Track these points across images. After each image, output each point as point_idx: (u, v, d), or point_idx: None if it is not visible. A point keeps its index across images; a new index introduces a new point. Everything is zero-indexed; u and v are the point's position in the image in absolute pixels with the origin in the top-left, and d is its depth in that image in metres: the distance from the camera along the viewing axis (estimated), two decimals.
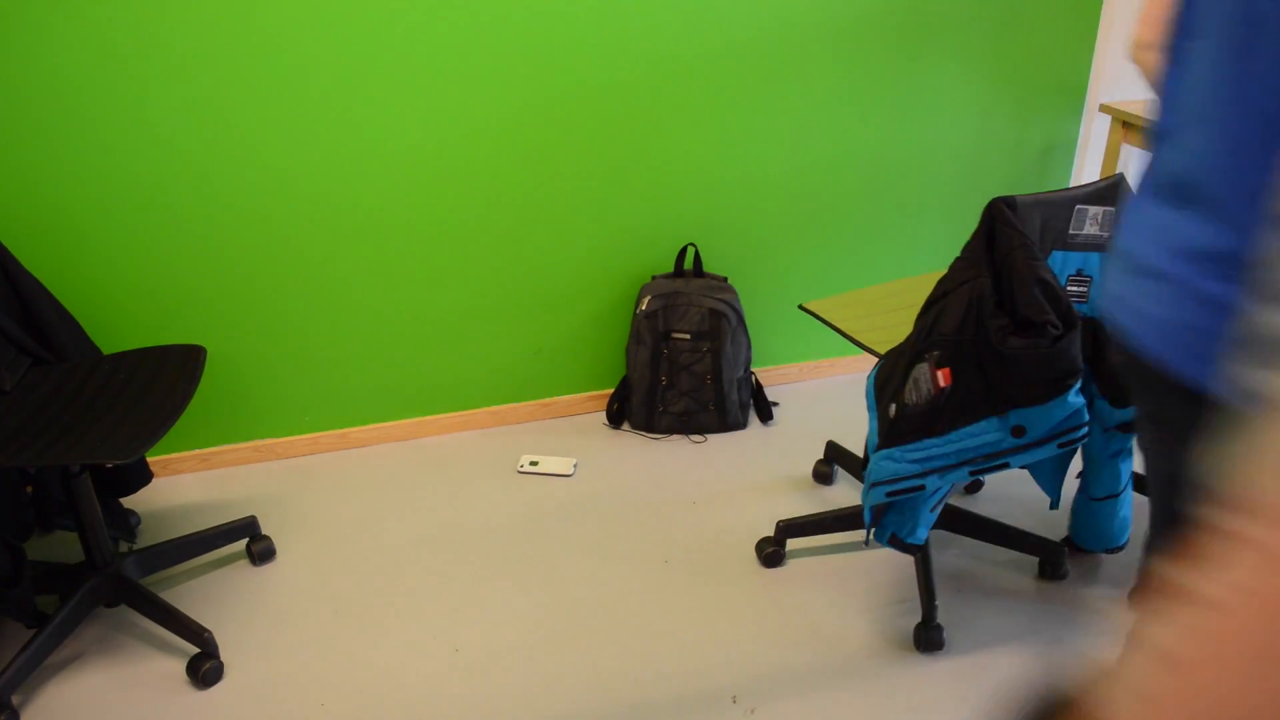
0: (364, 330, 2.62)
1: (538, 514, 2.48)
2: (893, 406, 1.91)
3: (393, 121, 2.42)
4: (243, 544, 2.37)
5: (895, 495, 1.94)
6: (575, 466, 2.65)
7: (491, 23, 2.38)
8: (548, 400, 2.88)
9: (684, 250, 2.75)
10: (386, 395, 2.73)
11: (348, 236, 2.51)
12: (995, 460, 1.86)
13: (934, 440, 1.86)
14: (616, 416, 2.84)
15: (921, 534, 2.01)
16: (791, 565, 2.32)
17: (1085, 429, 1.84)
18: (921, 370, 1.86)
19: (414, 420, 2.78)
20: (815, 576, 2.29)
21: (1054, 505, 2.11)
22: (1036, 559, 2.34)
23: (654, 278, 2.73)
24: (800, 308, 2.24)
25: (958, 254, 3.11)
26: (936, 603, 2.12)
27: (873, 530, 2.05)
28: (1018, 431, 1.83)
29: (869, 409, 2.01)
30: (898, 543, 2.03)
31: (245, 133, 2.33)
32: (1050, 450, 1.86)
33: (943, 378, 1.83)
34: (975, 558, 2.36)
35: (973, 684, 2.00)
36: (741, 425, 2.82)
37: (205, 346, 2.46)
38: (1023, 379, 1.77)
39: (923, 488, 1.91)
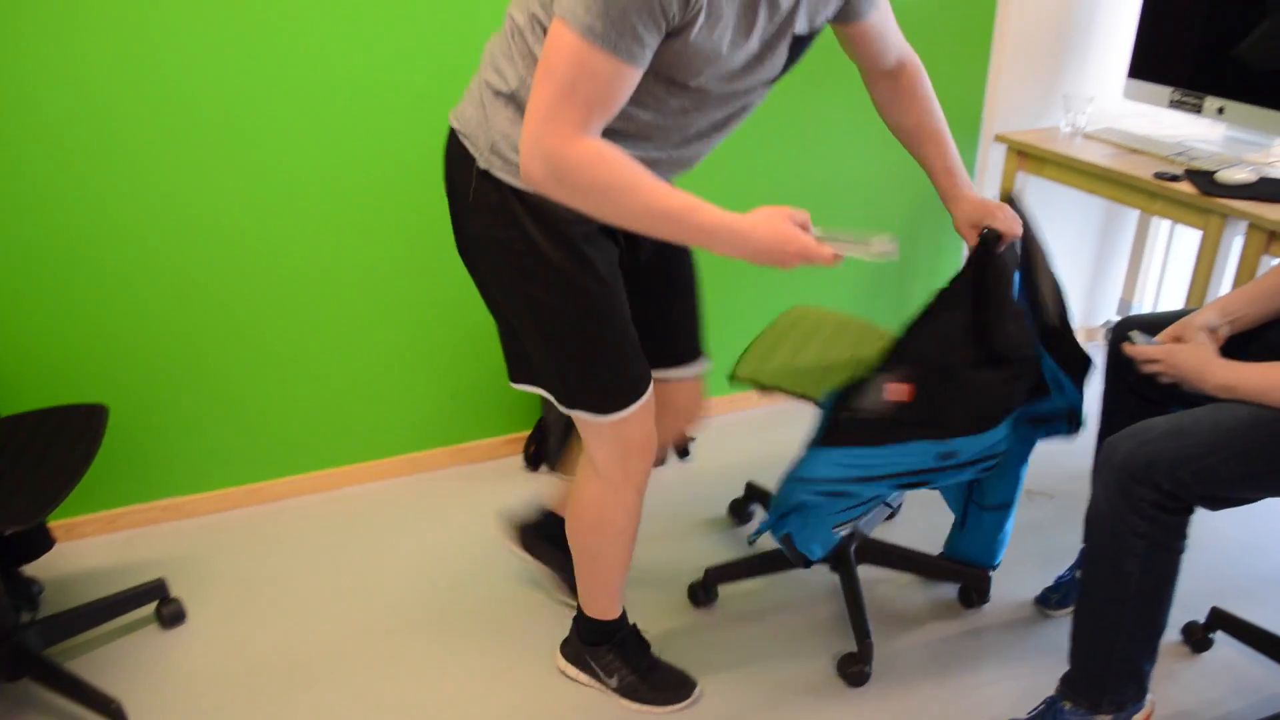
0: (274, 381, 2.58)
1: (459, 563, 2.46)
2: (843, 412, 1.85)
3: (302, 167, 2.39)
4: (151, 608, 2.30)
5: (820, 495, 1.91)
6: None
7: (405, 70, 2.38)
8: (464, 445, 2.85)
9: None
10: (299, 447, 2.68)
11: (255, 285, 2.47)
12: (918, 479, 1.87)
13: (870, 450, 1.84)
14: (534, 459, 2.82)
15: (816, 550, 1.99)
16: (721, 606, 2.33)
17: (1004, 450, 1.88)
18: (880, 381, 1.82)
19: (328, 471, 2.73)
20: (743, 616, 2.30)
21: (960, 524, 2.15)
22: (958, 586, 2.38)
23: None
24: (733, 379, 2.12)
25: (860, 284, 3.17)
26: (870, 640, 2.14)
27: (767, 526, 1.99)
28: (948, 455, 1.85)
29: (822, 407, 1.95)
30: (789, 544, 1.98)
31: (151, 182, 2.29)
32: (971, 473, 1.89)
33: (905, 393, 1.81)
34: (898, 588, 2.39)
35: (901, 716, 2.02)
36: (660, 462, 2.82)
37: (108, 404, 2.40)
38: (979, 410, 1.79)
39: (845, 494, 1.90)
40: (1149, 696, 1.81)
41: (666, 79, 1.49)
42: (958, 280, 1.78)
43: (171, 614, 2.26)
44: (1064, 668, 1.85)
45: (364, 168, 2.45)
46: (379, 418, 2.72)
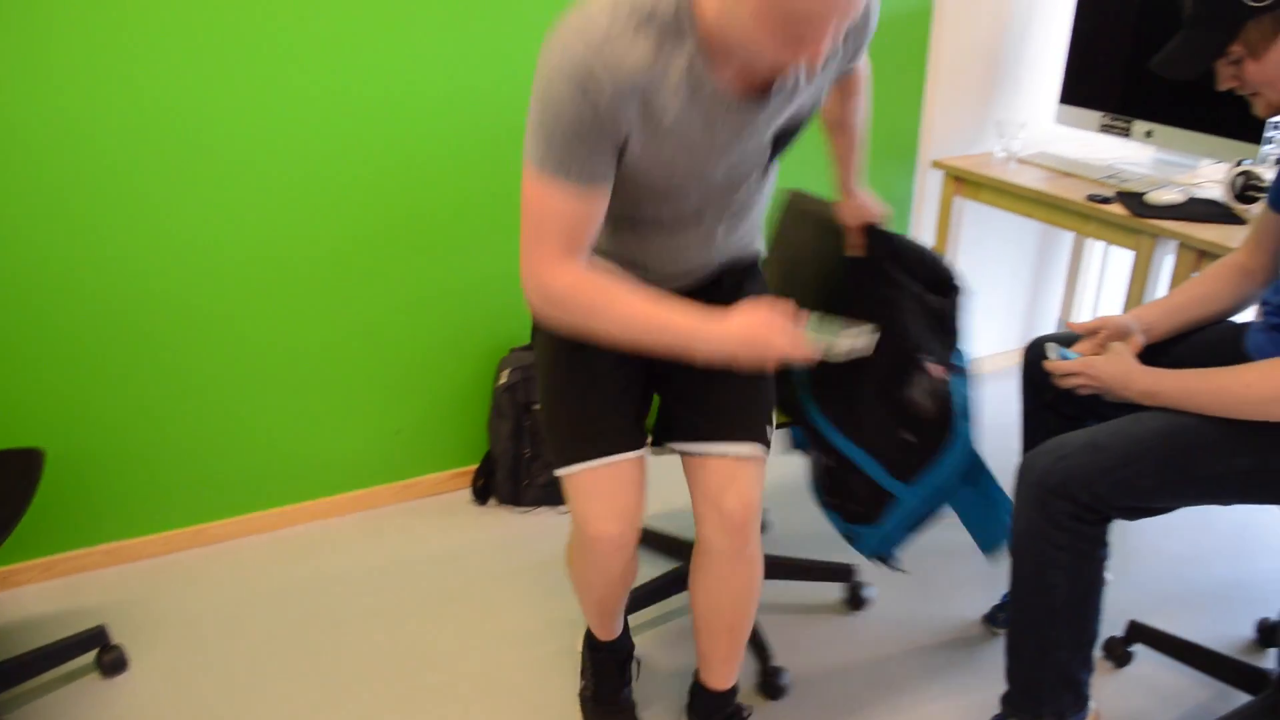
0: (216, 420, 2.55)
1: (408, 602, 2.43)
2: (901, 430, 1.87)
3: (238, 201, 2.38)
4: (92, 656, 2.26)
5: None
6: None
7: (335, 100, 2.38)
8: (411, 481, 2.84)
9: None
10: (242, 487, 2.65)
11: (195, 323, 2.44)
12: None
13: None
14: (482, 492, 2.81)
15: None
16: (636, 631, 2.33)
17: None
18: (922, 378, 1.84)
19: (273, 511, 2.70)
20: (663, 637, 2.30)
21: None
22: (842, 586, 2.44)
23: (512, 350, 2.73)
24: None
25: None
26: (777, 666, 2.18)
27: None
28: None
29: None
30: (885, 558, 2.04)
31: (87, 222, 2.26)
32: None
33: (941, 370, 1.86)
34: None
35: None
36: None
37: (44, 449, 2.36)
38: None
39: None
40: (1091, 704, 1.83)
41: (634, 185, 1.56)
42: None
43: (113, 662, 2.22)
44: None
45: (301, 206, 2.44)
46: (322, 455, 2.70)
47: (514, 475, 2.74)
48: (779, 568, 2.41)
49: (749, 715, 2.00)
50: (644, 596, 2.31)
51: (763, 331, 1.49)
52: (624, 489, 1.69)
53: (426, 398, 2.76)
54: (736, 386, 1.77)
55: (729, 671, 1.92)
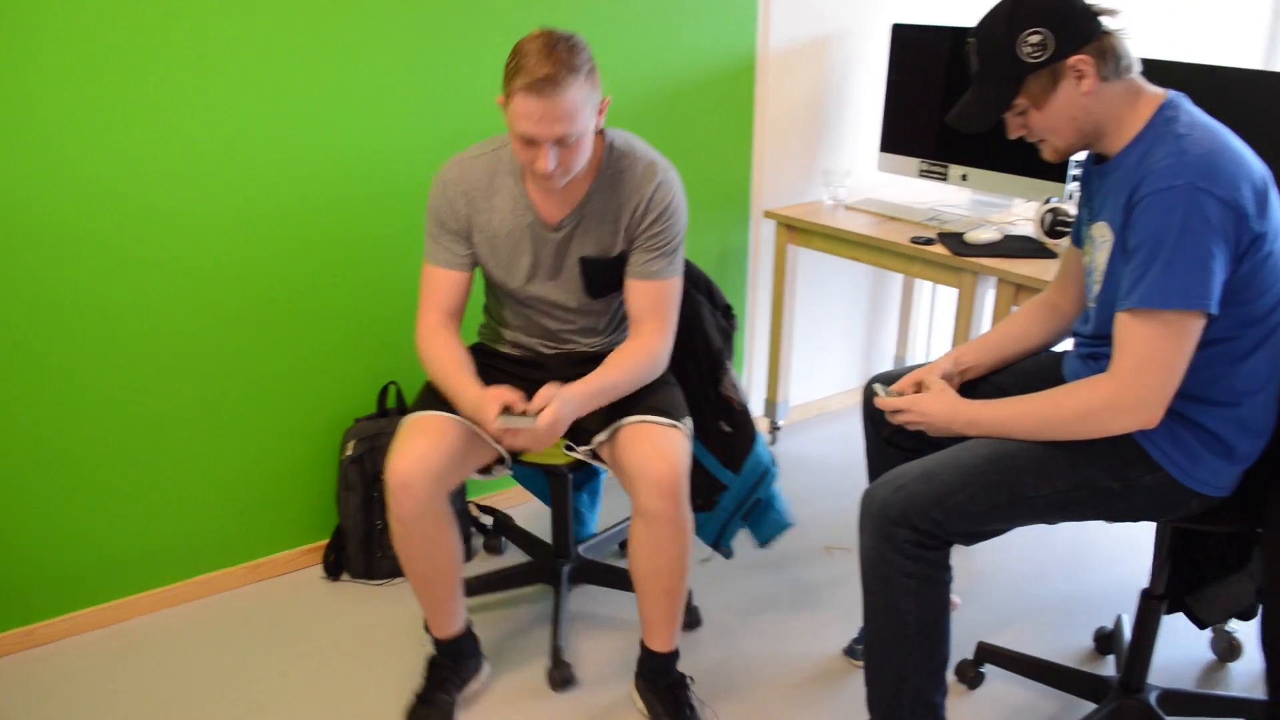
0: (41, 509, 2.41)
1: (262, 689, 2.34)
2: (721, 422, 2.32)
3: (71, 273, 2.28)
4: None
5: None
6: None
7: (178, 176, 2.31)
8: (259, 561, 2.73)
9: (385, 389, 2.72)
10: (78, 580, 2.50)
11: (20, 404, 2.32)
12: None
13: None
14: (334, 567, 2.73)
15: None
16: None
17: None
18: (728, 375, 2.33)
19: (111, 604, 2.56)
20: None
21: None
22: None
23: (357, 420, 2.67)
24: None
25: None
26: (561, 643, 2.36)
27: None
28: None
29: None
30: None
31: None
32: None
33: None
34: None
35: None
36: (467, 556, 2.78)
37: None
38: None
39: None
40: None
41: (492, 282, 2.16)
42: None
43: None
44: None
45: (135, 279, 2.35)
46: (161, 541, 2.58)
47: (366, 548, 2.68)
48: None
49: (691, 682, 2.20)
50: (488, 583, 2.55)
51: (480, 407, 1.89)
52: (425, 435, 1.97)
53: (271, 473, 2.68)
54: (649, 390, 2.11)
55: (670, 634, 2.13)
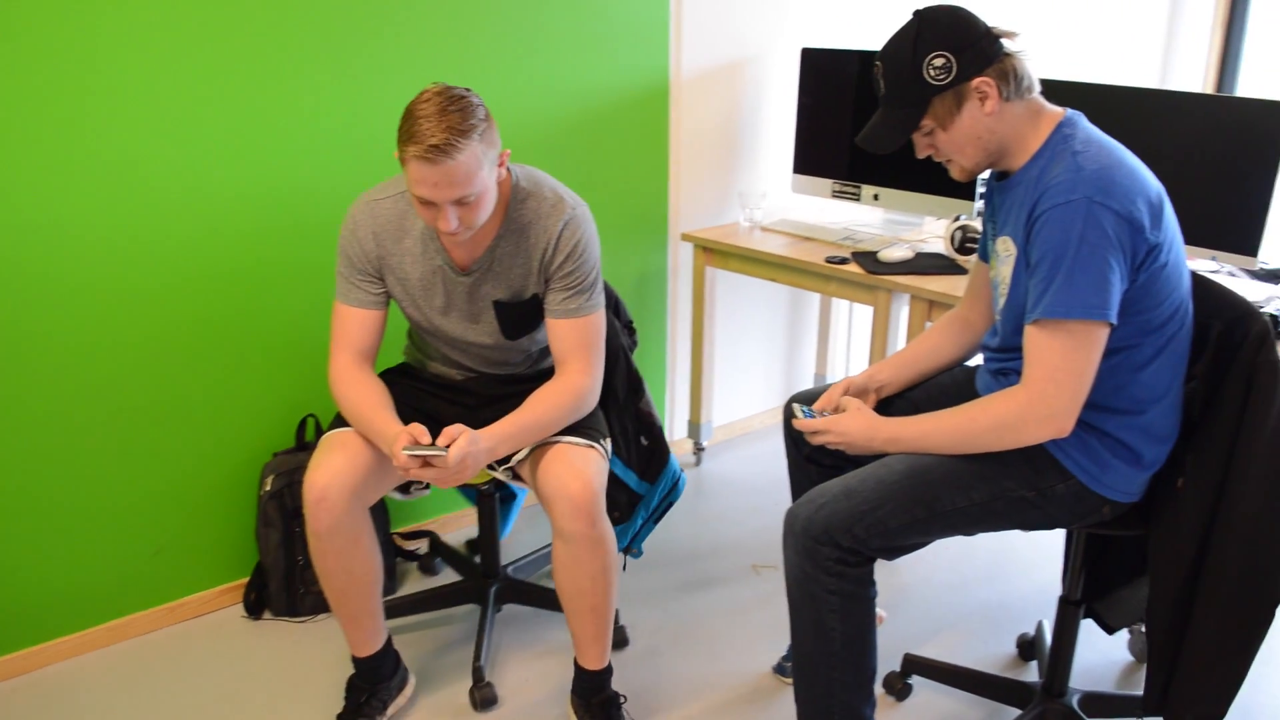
0: None
1: None
2: (641, 437, 2.37)
3: None
4: None
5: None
6: None
7: (90, 205, 2.25)
8: (176, 602, 2.66)
9: (303, 422, 2.67)
10: None
11: None
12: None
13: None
14: (255, 606, 2.67)
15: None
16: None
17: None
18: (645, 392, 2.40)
19: (21, 653, 2.47)
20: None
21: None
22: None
23: (275, 455, 2.63)
24: None
25: None
26: (483, 663, 2.36)
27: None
28: None
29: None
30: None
31: None
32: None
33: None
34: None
35: None
36: (390, 591, 2.75)
37: None
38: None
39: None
40: None
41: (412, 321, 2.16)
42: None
43: None
44: None
45: (44, 309, 2.29)
46: (73, 584, 2.50)
47: (288, 584, 2.62)
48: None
49: (624, 701, 2.21)
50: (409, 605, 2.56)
51: (393, 440, 1.88)
52: (342, 449, 1.99)
53: (187, 511, 2.61)
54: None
55: (599, 651, 2.14)
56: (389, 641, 2.23)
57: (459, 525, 3.09)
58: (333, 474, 1.95)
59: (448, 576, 2.82)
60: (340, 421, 2.09)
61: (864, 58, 3.08)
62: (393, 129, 2.66)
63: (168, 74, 2.31)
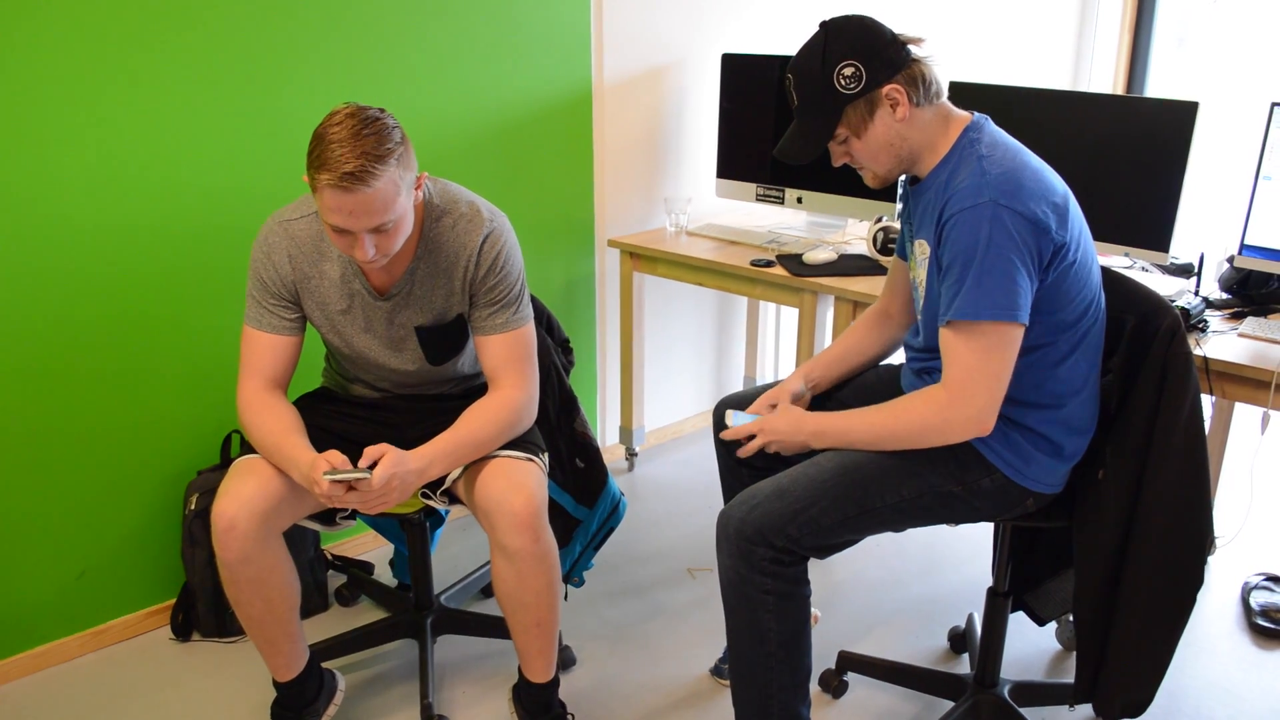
0: None
1: None
2: (575, 459, 2.32)
3: None
4: None
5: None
6: None
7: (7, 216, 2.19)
8: (102, 627, 2.60)
9: (228, 438, 2.63)
10: None
11: None
12: None
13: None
14: (183, 628, 2.62)
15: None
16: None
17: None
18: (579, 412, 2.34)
19: None
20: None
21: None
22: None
23: (200, 473, 2.58)
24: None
25: None
26: (430, 699, 2.28)
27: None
28: None
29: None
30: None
31: None
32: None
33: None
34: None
35: None
36: (323, 608, 2.71)
37: None
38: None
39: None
40: None
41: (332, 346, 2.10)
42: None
43: None
44: None
45: None
46: None
47: (217, 605, 2.57)
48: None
49: (572, 717, 2.18)
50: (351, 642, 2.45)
51: (311, 471, 1.80)
52: (252, 475, 1.92)
53: (110, 533, 2.55)
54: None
55: (546, 664, 2.10)
56: (311, 660, 2.15)
57: (377, 544, 3.05)
58: (241, 502, 1.88)
59: (370, 606, 2.75)
60: (250, 448, 2.01)
61: (784, 63, 3.11)
62: (304, 141, 2.62)
63: (74, 82, 2.26)
